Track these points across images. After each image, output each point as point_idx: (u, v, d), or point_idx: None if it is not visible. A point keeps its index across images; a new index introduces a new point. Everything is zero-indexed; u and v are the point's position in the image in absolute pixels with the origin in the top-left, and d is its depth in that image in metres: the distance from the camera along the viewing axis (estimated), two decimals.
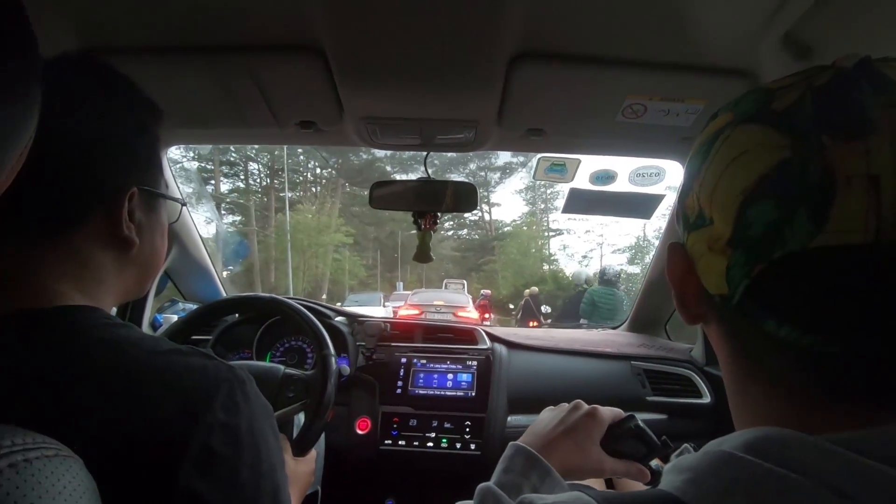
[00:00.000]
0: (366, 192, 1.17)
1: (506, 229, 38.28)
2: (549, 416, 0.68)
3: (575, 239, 34.43)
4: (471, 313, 10.39)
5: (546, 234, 34.08)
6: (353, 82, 0.82)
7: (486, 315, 11.31)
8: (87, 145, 0.50)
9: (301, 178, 34.04)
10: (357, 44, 0.73)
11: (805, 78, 0.31)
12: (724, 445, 0.32)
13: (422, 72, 0.79)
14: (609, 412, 0.67)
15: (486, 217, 40.71)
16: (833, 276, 0.28)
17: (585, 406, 0.67)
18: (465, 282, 22.83)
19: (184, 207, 1.20)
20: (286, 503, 0.52)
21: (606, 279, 5.75)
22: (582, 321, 5.49)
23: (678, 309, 0.40)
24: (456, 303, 11.02)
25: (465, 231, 41.78)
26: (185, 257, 1.42)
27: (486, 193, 38.72)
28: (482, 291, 15.21)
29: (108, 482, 0.37)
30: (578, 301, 5.76)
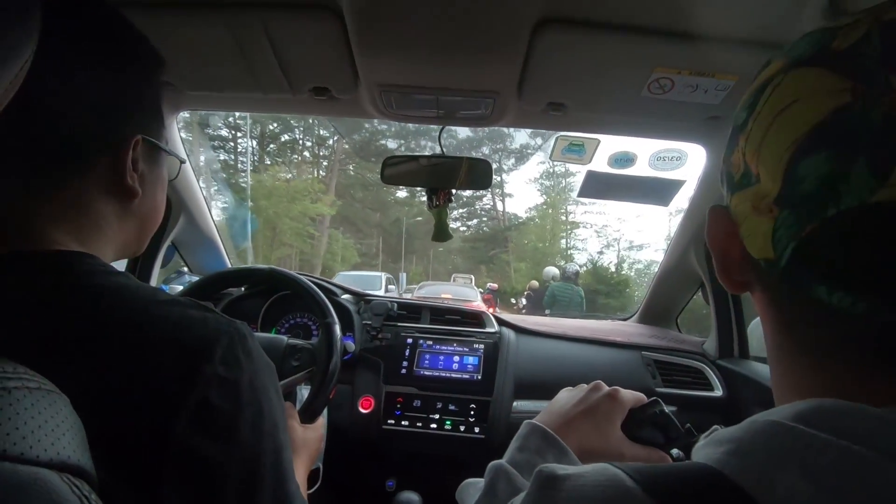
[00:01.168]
0: (370, 175, 1.15)
1: (520, 220, 35.75)
2: (567, 395, 0.65)
3: (593, 233, 31.96)
4: (480, 308, 10.19)
5: (565, 227, 31.90)
6: (370, 46, 0.79)
7: (491, 309, 11.09)
8: (93, 90, 0.48)
9: (298, 157, 31.17)
10: (375, 4, 0.70)
11: (872, 13, 0.28)
12: (772, 416, 0.29)
13: (442, 36, 0.76)
14: (630, 395, 0.64)
15: (500, 206, 37.81)
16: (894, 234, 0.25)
17: (606, 387, 0.64)
18: (472, 276, 21.99)
19: (188, 171, 1.19)
20: (289, 464, 0.50)
21: (566, 277, 7.03)
22: (546, 311, 6.48)
23: (720, 277, 0.37)
24: (464, 296, 10.74)
25: (475, 221, 39.16)
26: (192, 228, 1.41)
27: (499, 179, 36.30)
28: (488, 285, 15.17)
29: (100, 433, 0.35)
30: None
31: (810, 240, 0.27)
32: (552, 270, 8.76)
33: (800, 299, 0.30)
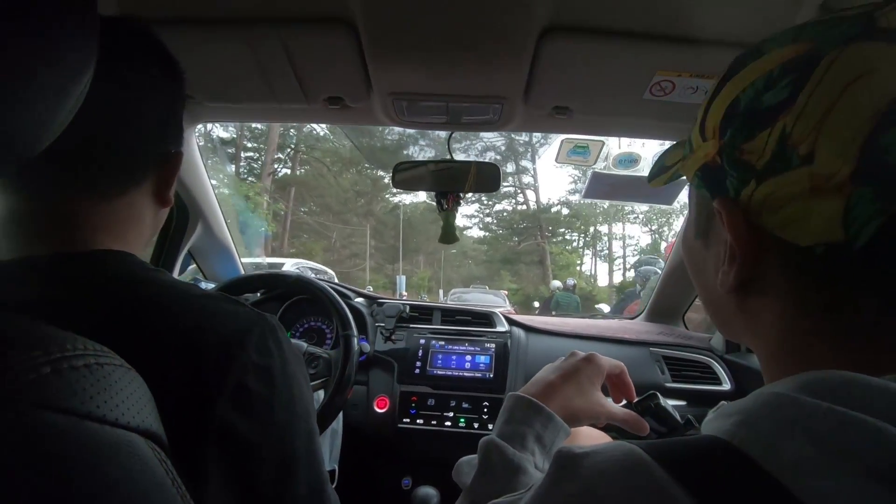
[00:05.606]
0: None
1: (553, 209, 28.79)
2: (547, 367, 0.68)
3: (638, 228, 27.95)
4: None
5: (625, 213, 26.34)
6: (382, 55, 0.83)
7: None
8: (153, 111, 0.53)
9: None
10: (388, 15, 0.74)
11: None
12: (777, 388, 0.30)
13: (451, 45, 0.79)
14: (607, 360, 0.67)
15: (529, 190, 28.95)
16: None
17: (582, 353, 0.67)
18: (486, 286, 20.83)
19: (205, 180, 1.25)
20: (320, 449, 0.53)
21: (567, 288, 10.22)
22: (552, 313, 8.59)
23: (734, 273, 0.35)
24: (493, 304, 10.79)
25: (491, 217, 30.81)
26: (208, 237, 1.44)
27: (530, 165, 28.93)
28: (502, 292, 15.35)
29: None
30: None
31: None
32: (557, 283, 11.51)
33: (865, 279, 0.29)
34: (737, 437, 0.29)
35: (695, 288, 0.46)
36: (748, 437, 0.28)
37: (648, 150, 1.22)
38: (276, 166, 23.16)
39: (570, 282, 10.59)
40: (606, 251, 27.83)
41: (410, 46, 0.80)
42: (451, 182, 1.16)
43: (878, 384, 0.27)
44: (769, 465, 0.26)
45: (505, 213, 30.78)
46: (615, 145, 1.23)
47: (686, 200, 1.35)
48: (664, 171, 0.46)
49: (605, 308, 10.17)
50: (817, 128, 0.28)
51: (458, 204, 1.18)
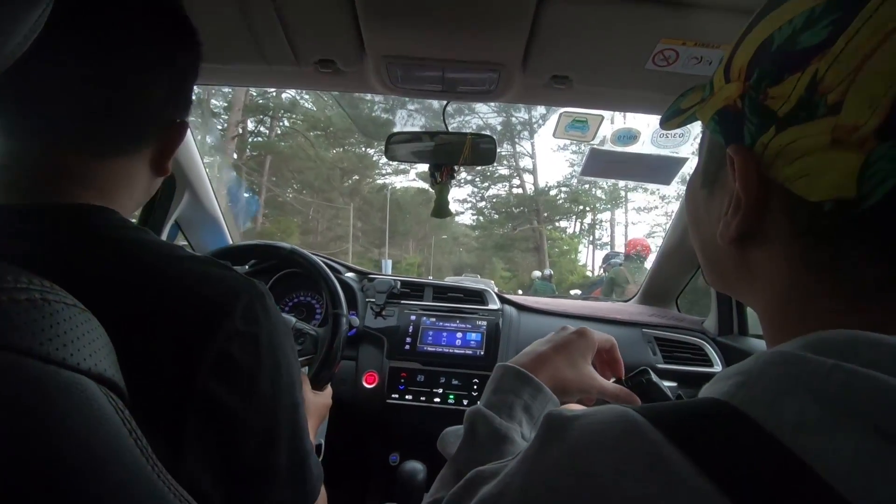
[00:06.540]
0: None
1: (552, 191, 26.42)
2: (537, 340, 0.66)
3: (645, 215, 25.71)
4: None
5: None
6: (376, 15, 0.79)
7: None
8: (167, 79, 0.51)
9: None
10: None
11: None
12: (780, 347, 0.29)
13: (448, 6, 0.76)
14: (598, 335, 0.65)
15: (527, 164, 26.44)
16: None
17: (573, 327, 0.65)
18: (478, 275, 20.50)
19: (192, 148, 1.23)
20: (304, 421, 0.51)
21: (544, 277, 11.47)
22: None
23: (736, 224, 0.34)
24: None
25: (485, 202, 28.36)
26: (195, 207, 1.41)
27: (527, 142, 26.54)
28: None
29: (127, 380, 0.36)
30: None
31: None
32: (537, 273, 12.91)
33: (872, 238, 0.28)
34: (736, 397, 0.27)
35: (693, 242, 0.45)
36: (748, 397, 0.27)
37: (649, 126, 1.20)
38: (240, 129, 19.90)
39: (548, 272, 12.52)
40: (608, 238, 26.36)
41: (405, 6, 0.77)
42: (445, 154, 1.13)
43: (887, 341, 0.25)
44: (770, 426, 0.25)
45: (499, 198, 28.73)
46: (618, 122, 1.20)
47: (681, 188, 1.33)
48: (678, 114, 0.44)
49: (579, 293, 11.32)
50: (852, 75, 0.26)
51: (452, 177, 1.15)
